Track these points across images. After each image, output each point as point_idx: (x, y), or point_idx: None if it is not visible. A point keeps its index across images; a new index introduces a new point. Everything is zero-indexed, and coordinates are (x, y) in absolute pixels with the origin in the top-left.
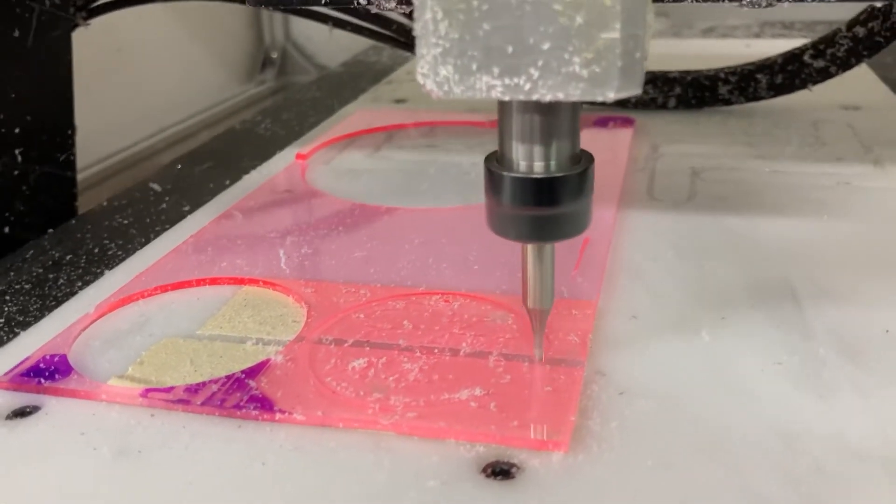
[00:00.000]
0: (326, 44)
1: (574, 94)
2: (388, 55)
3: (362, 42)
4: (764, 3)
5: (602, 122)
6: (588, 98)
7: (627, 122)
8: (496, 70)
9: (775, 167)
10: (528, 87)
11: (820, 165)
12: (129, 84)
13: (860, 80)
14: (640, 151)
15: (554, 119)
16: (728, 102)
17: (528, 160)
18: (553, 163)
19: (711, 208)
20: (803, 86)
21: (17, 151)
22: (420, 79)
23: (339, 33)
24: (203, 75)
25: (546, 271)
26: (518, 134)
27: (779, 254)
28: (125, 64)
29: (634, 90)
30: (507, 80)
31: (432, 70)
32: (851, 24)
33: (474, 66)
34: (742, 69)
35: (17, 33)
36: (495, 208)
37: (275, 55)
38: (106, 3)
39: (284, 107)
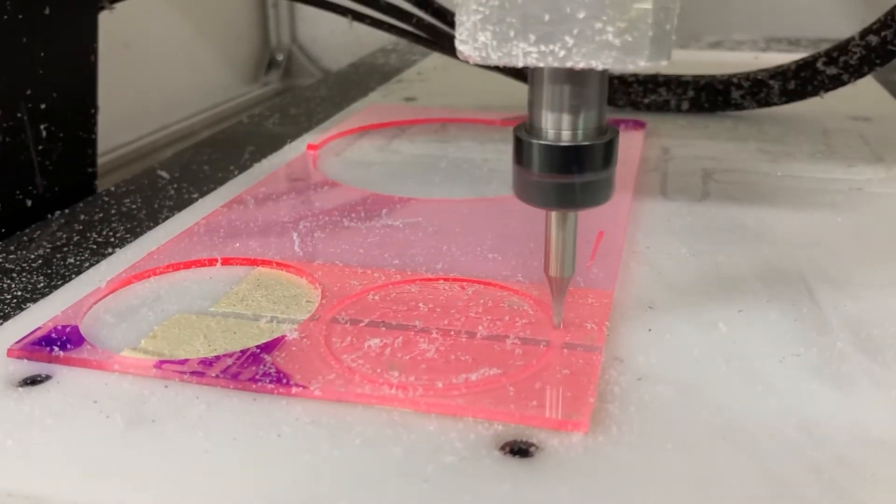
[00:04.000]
0: (332, 47)
1: (607, 61)
2: (395, 58)
3: (368, 46)
4: None
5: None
6: (619, 67)
7: (639, 125)
8: (532, 37)
9: (787, 171)
10: (562, 54)
11: (832, 171)
12: (134, 79)
13: (869, 94)
14: (652, 153)
15: (583, 89)
16: (740, 107)
17: (557, 129)
18: (580, 132)
19: (724, 208)
20: (815, 93)
21: (42, 127)
22: (458, 45)
23: (343, 38)
24: (208, 74)
25: (568, 239)
26: (548, 103)
27: (793, 252)
28: (131, 59)
29: (664, 60)
30: (542, 48)
31: (471, 37)
32: (864, 33)
33: (512, 33)
34: (755, 75)
35: (47, 11)
36: (522, 175)
37: (280, 57)
38: None
39: (293, 103)
